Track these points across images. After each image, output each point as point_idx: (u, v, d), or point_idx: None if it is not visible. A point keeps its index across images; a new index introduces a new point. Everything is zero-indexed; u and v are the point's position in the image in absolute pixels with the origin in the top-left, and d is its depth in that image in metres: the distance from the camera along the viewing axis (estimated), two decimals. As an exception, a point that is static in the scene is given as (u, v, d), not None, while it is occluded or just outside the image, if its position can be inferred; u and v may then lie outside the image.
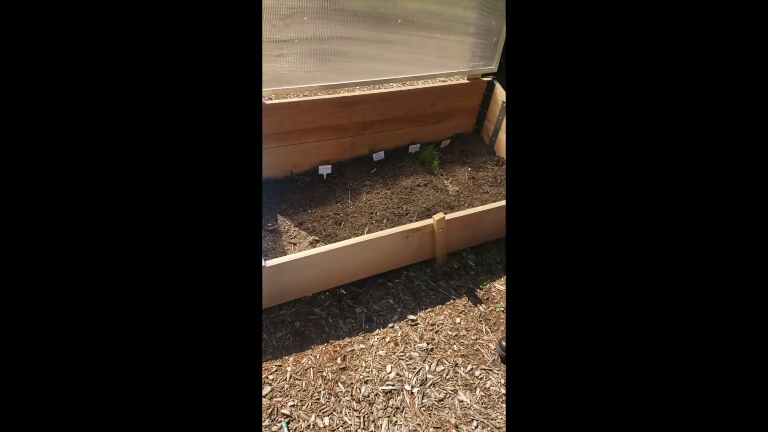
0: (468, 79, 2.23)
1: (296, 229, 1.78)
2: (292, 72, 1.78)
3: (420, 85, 2.26)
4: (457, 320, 1.59)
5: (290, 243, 1.73)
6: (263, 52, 1.61)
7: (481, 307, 1.65)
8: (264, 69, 1.66)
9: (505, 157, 2.27)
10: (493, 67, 2.20)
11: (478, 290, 1.71)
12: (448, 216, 1.63)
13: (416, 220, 1.86)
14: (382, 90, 2.06)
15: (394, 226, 1.79)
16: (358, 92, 2.03)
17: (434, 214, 1.68)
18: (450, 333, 1.55)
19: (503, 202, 1.73)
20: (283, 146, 1.93)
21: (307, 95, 2.02)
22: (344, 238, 1.75)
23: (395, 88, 2.16)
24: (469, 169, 2.19)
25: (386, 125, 2.14)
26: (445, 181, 2.11)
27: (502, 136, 2.26)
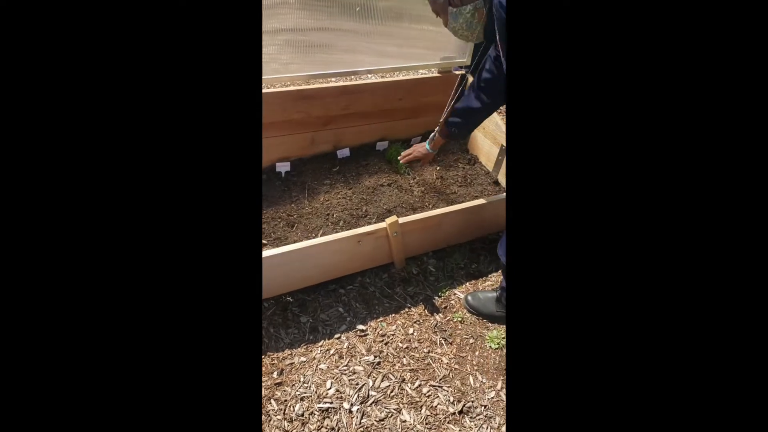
0: (439, 73, 2.10)
1: (245, 230, 1.68)
2: (265, 63, 1.67)
3: (395, 77, 2.14)
4: (410, 331, 1.49)
5: (236, 246, 1.63)
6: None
7: (437, 317, 1.54)
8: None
9: (477, 154, 2.15)
10: (466, 60, 2.08)
11: (436, 298, 1.61)
12: (403, 219, 1.52)
13: (375, 223, 1.75)
14: (343, 83, 1.94)
15: (350, 229, 1.68)
16: (318, 85, 1.91)
17: (397, 215, 1.57)
18: (401, 345, 1.44)
19: (465, 204, 1.62)
20: (237, 142, 1.81)
21: (276, 87, 1.91)
22: (295, 242, 1.64)
23: (362, 80, 2.04)
24: (438, 167, 2.07)
25: (350, 120, 2.02)
26: (411, 181, 1.99)
27: (476, 132, 2.14)
